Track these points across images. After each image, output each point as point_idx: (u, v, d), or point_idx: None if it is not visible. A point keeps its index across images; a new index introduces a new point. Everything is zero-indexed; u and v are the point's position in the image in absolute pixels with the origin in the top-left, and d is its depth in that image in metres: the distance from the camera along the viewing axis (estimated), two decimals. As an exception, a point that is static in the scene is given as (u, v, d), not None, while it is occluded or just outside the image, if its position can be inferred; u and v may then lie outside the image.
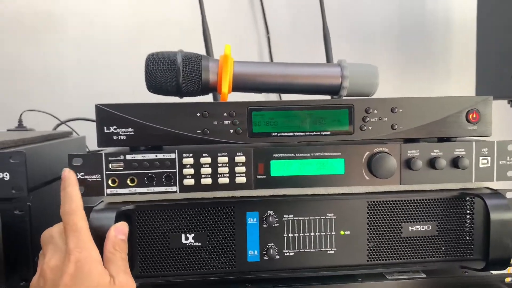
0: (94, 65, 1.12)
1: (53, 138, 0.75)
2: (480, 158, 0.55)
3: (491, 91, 0.74)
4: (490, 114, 0.56)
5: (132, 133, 0.51)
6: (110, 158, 0.51)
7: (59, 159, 0.69)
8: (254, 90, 0.59)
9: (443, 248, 0.57)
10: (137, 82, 1.07)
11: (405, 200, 0.56)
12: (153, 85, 0.57)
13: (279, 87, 0.59)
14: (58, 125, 0.99)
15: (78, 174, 0.51)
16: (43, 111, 0.98)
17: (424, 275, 0.59)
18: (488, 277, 0.59)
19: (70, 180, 0.48)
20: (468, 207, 0.57)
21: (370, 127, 0.54)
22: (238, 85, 0.58)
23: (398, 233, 0.56)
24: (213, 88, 0.58)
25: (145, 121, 0.52)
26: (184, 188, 0.52)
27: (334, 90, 0.60)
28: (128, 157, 0.51)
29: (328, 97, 0.62)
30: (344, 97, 0.60)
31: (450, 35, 1.24)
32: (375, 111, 0.54)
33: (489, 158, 0.56)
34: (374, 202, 0.56)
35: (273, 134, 0.54)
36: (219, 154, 0.52)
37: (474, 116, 0.55)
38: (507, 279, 0.58)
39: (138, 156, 0.51)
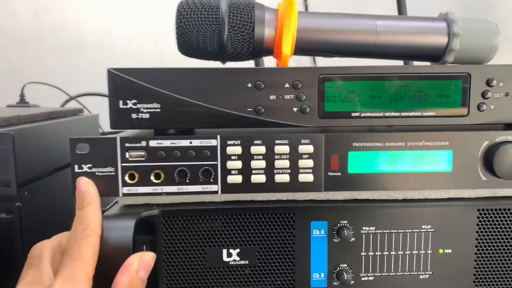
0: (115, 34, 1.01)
1: (58, 116, 0.61)
2: None
3: None
4: None
5: (159, 110, 0.40)
6: (127, 145, 0.40)
7: (64, 142, 0.55)
8: (323, 53, 0.43)
9: None
10: (165, 54, 0.99)
11: (532, 210, 0.44)
12: (187, 45, 0.41)
13: (359, 48, 0.43)
14: (67, 101, 0.86)
15: (83, 166, 0.40)
16: (48, 84, 0.83)
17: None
18: None
19: (90, 198, 0.38)
20: None
21: (492, 106, 0.42)
22: (304, 45, 0.42)
23: (518, 253, 0.44)
24: (268, 49, 0.42)
25: (176, 93, 0.40)
26: (228, 188, 0.41)
27: (435, 54, 0.43)
28: (152, 143, 0.40)
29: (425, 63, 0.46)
30: (448, 65, 0.44)
31: None
32: (501, 84, 0.41)
33: None
34: (488, 210, 0.43)
35: (353, 114, 0.41)
36: (277, 142, 0.41)
37: None
38: None
39: (166, 142, 0.40)
